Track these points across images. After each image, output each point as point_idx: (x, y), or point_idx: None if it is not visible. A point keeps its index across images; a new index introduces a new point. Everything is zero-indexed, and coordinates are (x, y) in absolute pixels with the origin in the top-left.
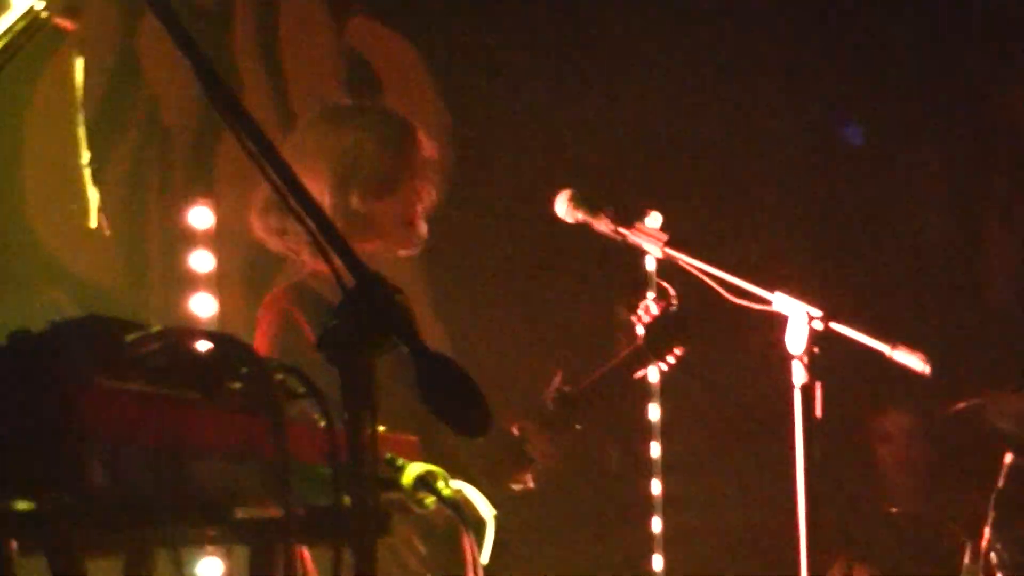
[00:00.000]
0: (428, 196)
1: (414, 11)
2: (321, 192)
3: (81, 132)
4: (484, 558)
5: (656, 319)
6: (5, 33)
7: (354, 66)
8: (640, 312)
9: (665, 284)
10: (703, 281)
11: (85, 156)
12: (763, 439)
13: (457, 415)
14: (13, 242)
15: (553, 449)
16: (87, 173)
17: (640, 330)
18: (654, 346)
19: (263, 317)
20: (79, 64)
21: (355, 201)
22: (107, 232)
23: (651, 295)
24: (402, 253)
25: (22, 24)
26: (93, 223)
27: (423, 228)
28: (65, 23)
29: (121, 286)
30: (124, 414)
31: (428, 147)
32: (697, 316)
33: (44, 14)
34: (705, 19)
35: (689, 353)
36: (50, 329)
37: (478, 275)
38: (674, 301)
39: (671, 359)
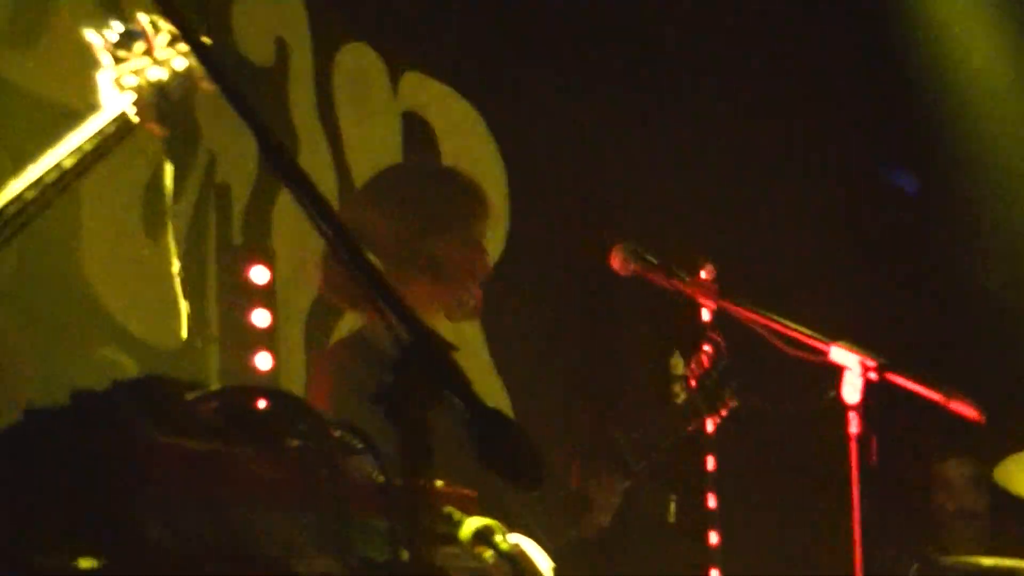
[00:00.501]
0: (485, 266)
1: (467, 65)
2: (392, 240)
3: (171, 240)
4: None
5: (707, 371)
6: (96, 135)
7: (409, 121)
8: (693, 365)
9: (717, 337)
10: (758, 332)
11: (176, 265)
12: (820, 489)
13: (511, 470)
14: (74, 302)
15: (611, 499)
16: (177, 283)
17: (692, 383)
18: (706, 398)
19: (321, 370)
20: (168, 171)
21: (418, 239)
22: (200, 346)
23: (704, 348)
24: (457, 316)
25: (113, 128)
26: (183, 335)
27: (479, 294)
28: (155, 128)
29: (181, 344)
30: (184, 471)
31: (489, 204)
32: (749, 369)
33: (135, 119)
34: (753, 70)
35: (741, 405)
36: (111, 389)
37: (535, 329)
38: (725, 353)
39: (724, 411)
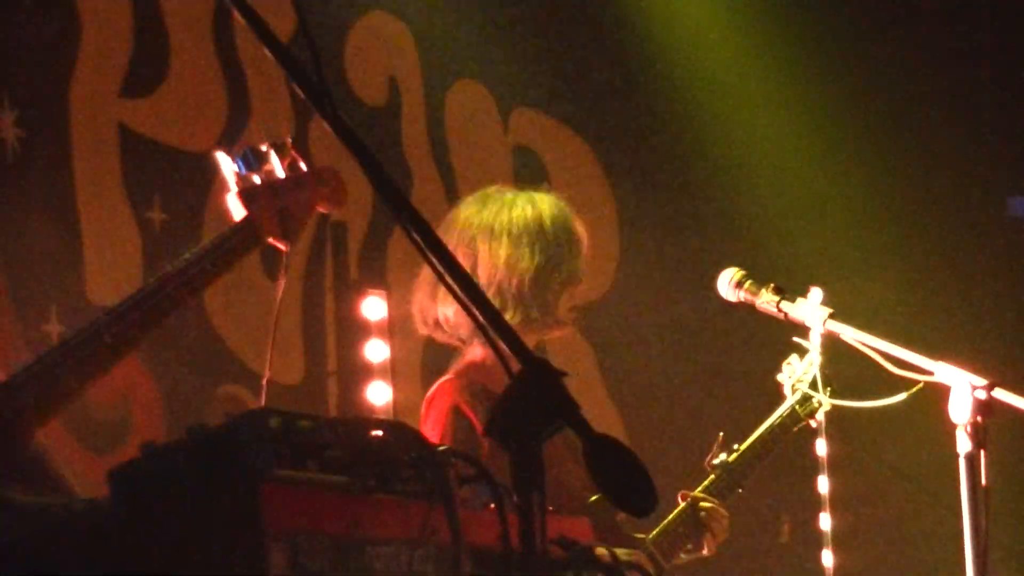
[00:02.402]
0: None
1: (575, 100)
2: (487, 263)
3: (269, 352)
4: None
5: (800, 379)
6: (224, 244)
7: (520, 155)
8: (785, 372)
9: (807, 345)
10: (864, 354)
11: (265, 375)
12: (931, 508)
13: (623, 494)
14: (198, 342)
15: (721, 516)
16: (264, 389)
17: (787, 391)
18: (801, 403)
19: (431, 408)
20: (281, 286)
21: (520, 272)
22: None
23: (797, 359)
24: (556, 333)
25: (240, 243)
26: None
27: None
28: (278, 244)
29: (300, 380)
30: (300, 503)
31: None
32: (840, 376)
33: (262, 235)
34: (857, 90)
35: (832, 409)
36: (227, 423)
37: (647, 354)
38: (816, 359)
39: (818, 416)
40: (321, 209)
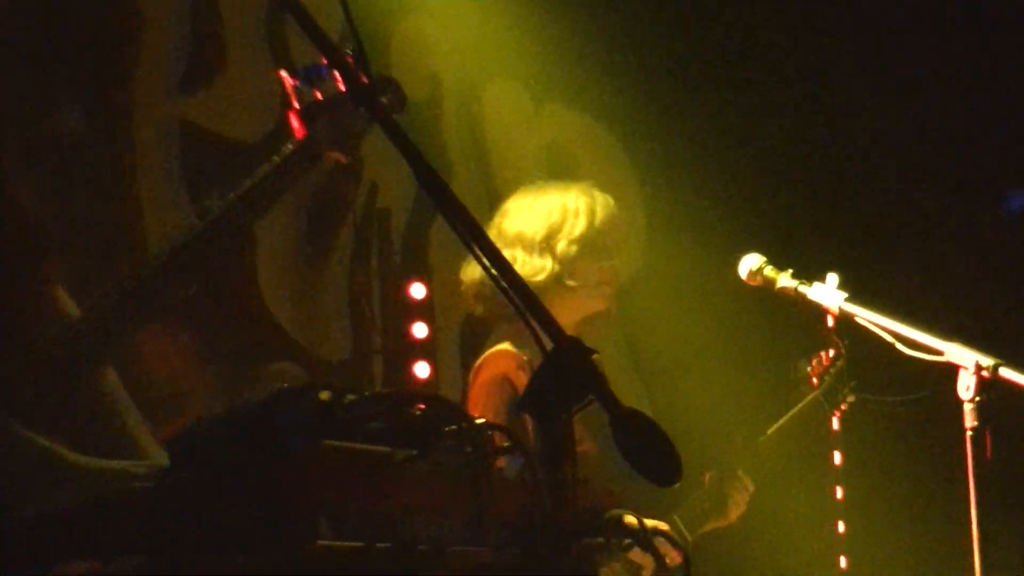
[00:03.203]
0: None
1: (603, 95)
2: (533, 243)
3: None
4: None
5: (827, 369)
6: (286, 161)
7: (552, 149)
8: (814, 364)
9: (836, 337)
10: (878, 335)
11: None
12: (940, 482)
13: (650, 466)
14: (251, 321)
15: (744, 494)
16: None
17: (814, 381)
18: (827, 395)
19: (480, 375)
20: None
21: (560, 248)
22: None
23: (825, 349)
24: (593, 308)
25: (301, 155)
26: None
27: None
28: (338, 156)
29: (347, 356)
30: (344, 472)
31: (622, 220)
32: (868, 365)
33: (321, 146)
34: (876, 78)
35: (859, 400)
36: (275, 396)
37: (673, 335)
38: (843, 352)
39: (844, 406)
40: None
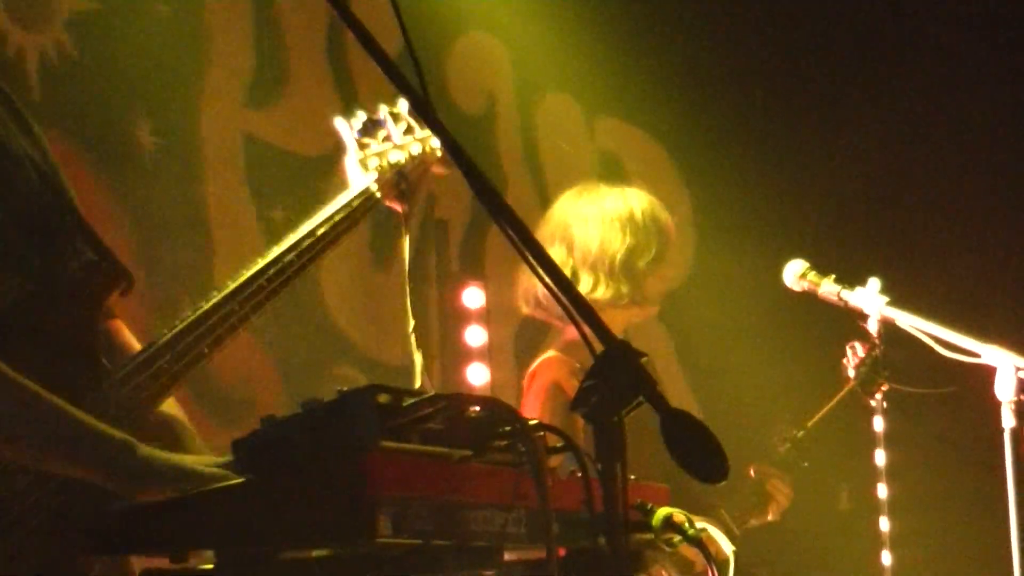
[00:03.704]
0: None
1: (652, 109)
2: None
3: (408, 303)
4: None
5: (862, 360)
6: (343, 208)
7: (604, 160)
8: (849, 356)
9: (869, 330)
10: (918, 338)
11: (411, 324)
12: (981, 479)
13: (697, 464)
14: (315, 327)
15: (787, 487)
16: (412, 338)
17: (851, 372)
18: (863, 384)
19: (534, 381)
20: (406, 243)
21: (619, 254)
22: (430, 391)
23: (860, 341)
24: (645, 313)
25: (359, 203)
26: (417, 383)
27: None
28: (394, 205)
29: (406, 361)
30: (404, 471)
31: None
32: (901, 356)
33: (377, 195)
34: (916, 85)
35: (893, 389)
36: (338, 398)
37: (718, 338)
38: (877, 343)
39: (878, 393)
40: (436, 171)
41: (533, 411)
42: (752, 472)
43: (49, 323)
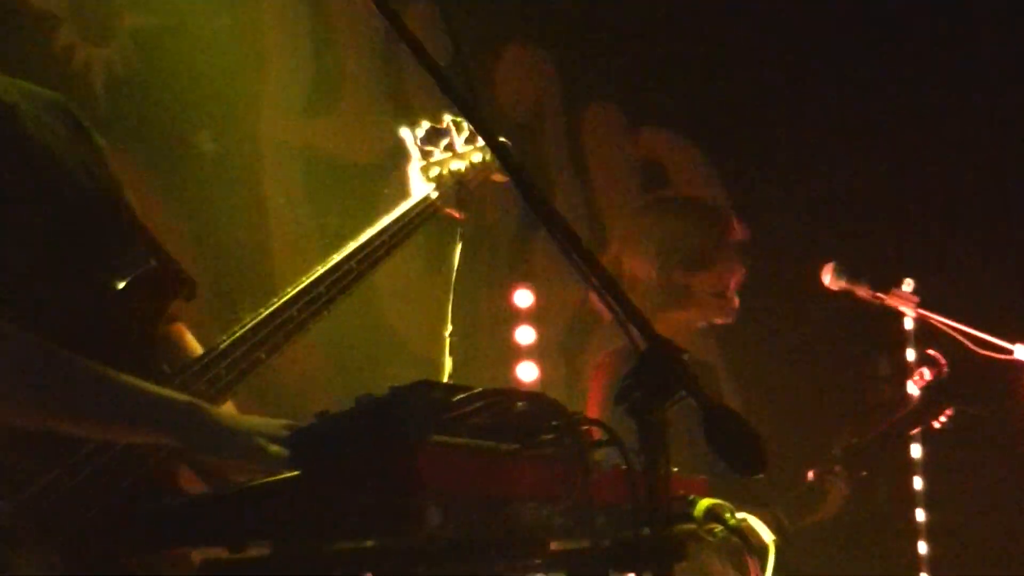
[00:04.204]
0: (739, 272)
1: (693, 115)
2: (649, 269)
3: (449, 308)
4: None
5: (930, 384)
6: (402, 217)
7: (647, 166)
8: (916, 378)
9: (935, 353)
10: (952, 335)
11: (448, 328)
12: (1015, 471)
13: (736, 457)
14: (369, 328)
15: (845, 491)
16: (448, 342)
17: (917, 393)
18: (929, 408)
19: (597, 374)
20: (458, 250)
21: (677, 275)
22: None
23: (927, 365)
24: (718, 321)
25: (419, 211)
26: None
27: (735, 300)
28: (454, 213)
29: (457, 360)
30: (453, 464)
31: (739, 231)
32: (968, 381)
33: (437, 203)
34: (948, 93)
35: (960, 413)
36: (390, 393)
37: (764, 340)
38: (945, 369)
39: (943, 418)
40: (496, 179)
41: (595, 403)
42: (811, 475)
43: (104, 330)
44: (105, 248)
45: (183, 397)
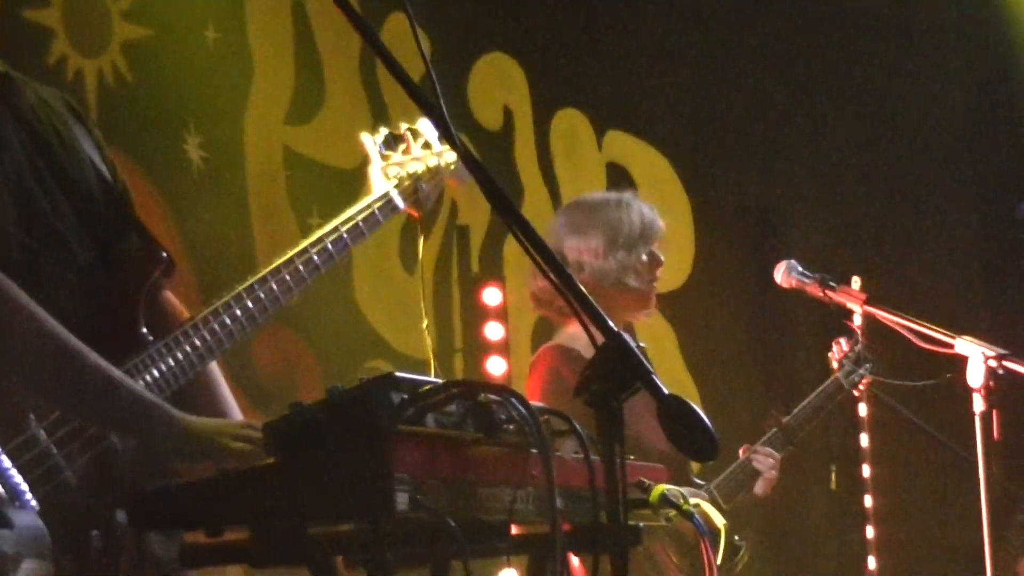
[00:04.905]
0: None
1: (657, 122)
2: (589, 253)
3: (424, 303)
4: (719, 560)
5: (845, 355)
6: (364, 209)
7: (612, 170)
8: (834, 350)
9: (853, 326)
10: (897, 330)
11: (424, 322)
12: (954, 460)
13: (690, 443)
14: (348, 323)
15: (774, 467)
16: (426, 334)
17: (834, 365)
18: (846, 376)
19: (534, 369)
20: (421, 243)
21: (612, 262)
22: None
23: (843, 337)
24: (641, 317)
25: (378, 204)
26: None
27: (654, 297)
28: (412, 211)
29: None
30: (422, 452)
31: (662, 224)
32: (880, 352)
33: (396, 200)
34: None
35: (874, 382)
36: (361, 385)
37: (718, 334)
38: (860, 339)
39: (861, 386)
40: (450, 183)
41: (533, 395)
42: (741, 453)
43: (98, 293)
44: (104, 227)
45: (155, 400)
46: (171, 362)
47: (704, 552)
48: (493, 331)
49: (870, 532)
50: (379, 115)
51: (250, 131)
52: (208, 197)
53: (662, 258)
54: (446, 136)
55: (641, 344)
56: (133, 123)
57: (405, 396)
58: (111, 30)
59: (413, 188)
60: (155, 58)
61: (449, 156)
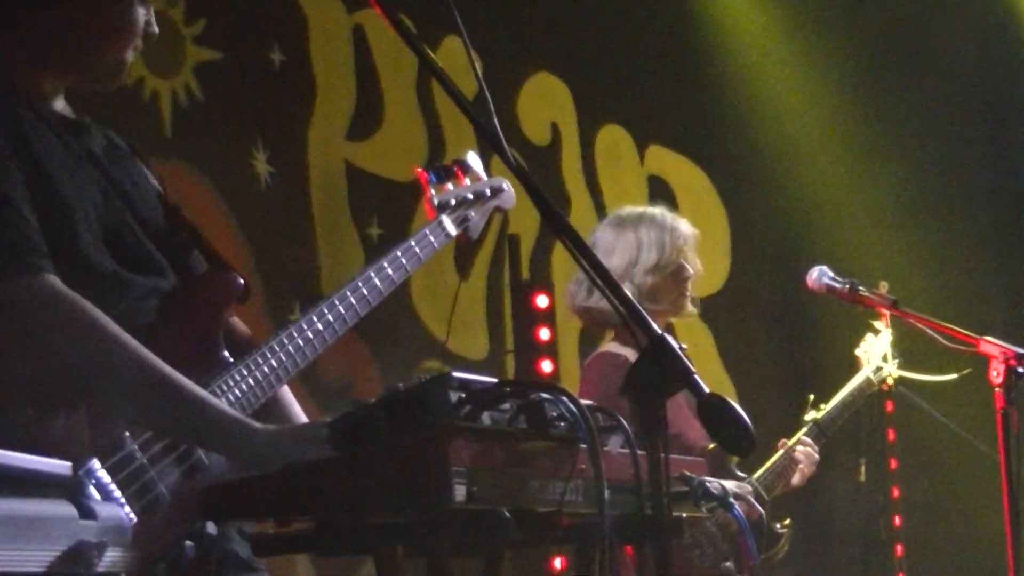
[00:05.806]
0: (695, 272)
1: (697, 137)
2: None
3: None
4: (757, 547)
5: (873, 354)
6: (421, 238)
7: (653, 183)
8: (863, 349)
9: (879, 325)
10: (922, 331)
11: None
12: (977, 455)
13: (729, 439)
14: (406, 327)
15: (812, 458)
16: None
17: (863, 363)
18: (875, 372)
19: (587, 372)
20: (475, 260)
21: (638, 279)
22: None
23: (872, 337)
24: (674, 319)
25: (433, 235)
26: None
27: (692, 301)
28: (462, 239)
29: (485, 356)
30: (477, 447)
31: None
32: (905, 351)
33: (449, 228)
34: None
35: (904, 378)
36: (418, 384)
37: (753, 335)
38: (887, 339)
39: (890, 381)
40: (498, 210)
41: (583, 396)
42: (779, 446)
43: (180, 318)
44: (173, 255)
45: (243, 420)
46: (252, 382)
47: (744, 540)
48: (543, 334)
49: (896, 522)
50: (433, 131)
51: (313, 146)
52: (274, 209)
53: (690, 271)
54: (497, 150)
55: (682, 345)
56: (204, 140)
57: (462, 394)
58: (184, 53)
59: (463, 216)
60: (225, 79)
61: (496, 182)
